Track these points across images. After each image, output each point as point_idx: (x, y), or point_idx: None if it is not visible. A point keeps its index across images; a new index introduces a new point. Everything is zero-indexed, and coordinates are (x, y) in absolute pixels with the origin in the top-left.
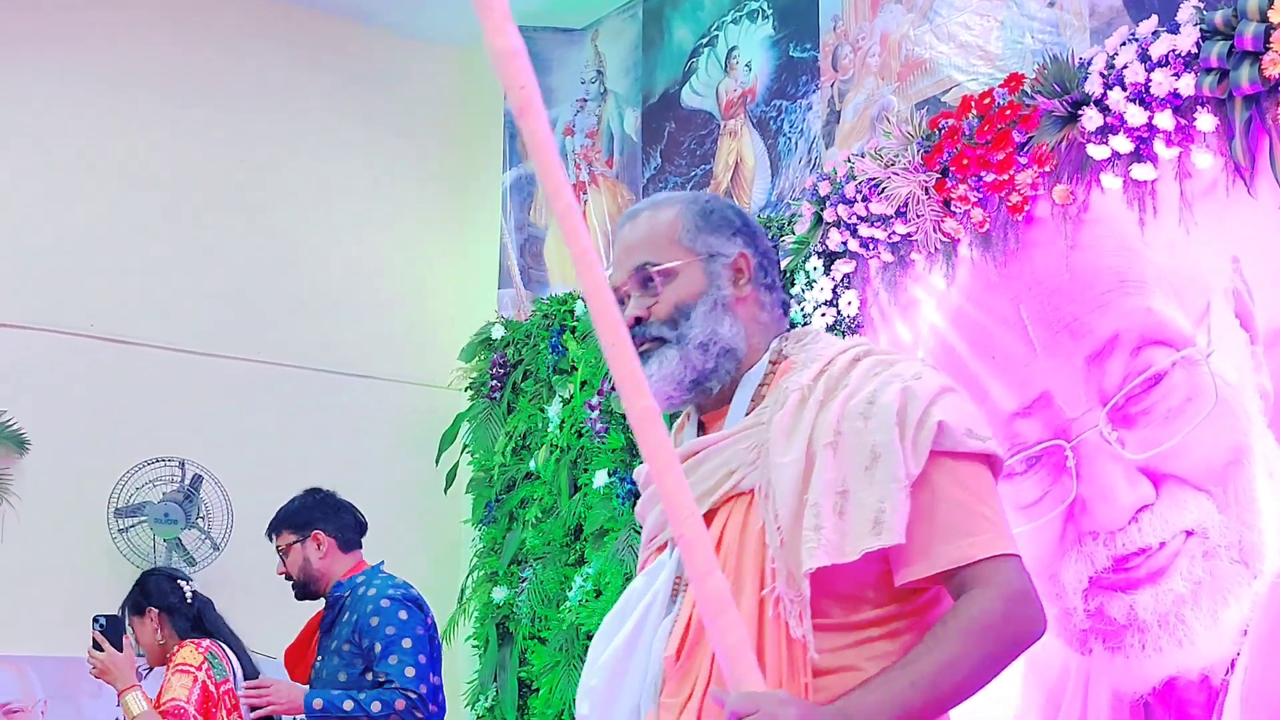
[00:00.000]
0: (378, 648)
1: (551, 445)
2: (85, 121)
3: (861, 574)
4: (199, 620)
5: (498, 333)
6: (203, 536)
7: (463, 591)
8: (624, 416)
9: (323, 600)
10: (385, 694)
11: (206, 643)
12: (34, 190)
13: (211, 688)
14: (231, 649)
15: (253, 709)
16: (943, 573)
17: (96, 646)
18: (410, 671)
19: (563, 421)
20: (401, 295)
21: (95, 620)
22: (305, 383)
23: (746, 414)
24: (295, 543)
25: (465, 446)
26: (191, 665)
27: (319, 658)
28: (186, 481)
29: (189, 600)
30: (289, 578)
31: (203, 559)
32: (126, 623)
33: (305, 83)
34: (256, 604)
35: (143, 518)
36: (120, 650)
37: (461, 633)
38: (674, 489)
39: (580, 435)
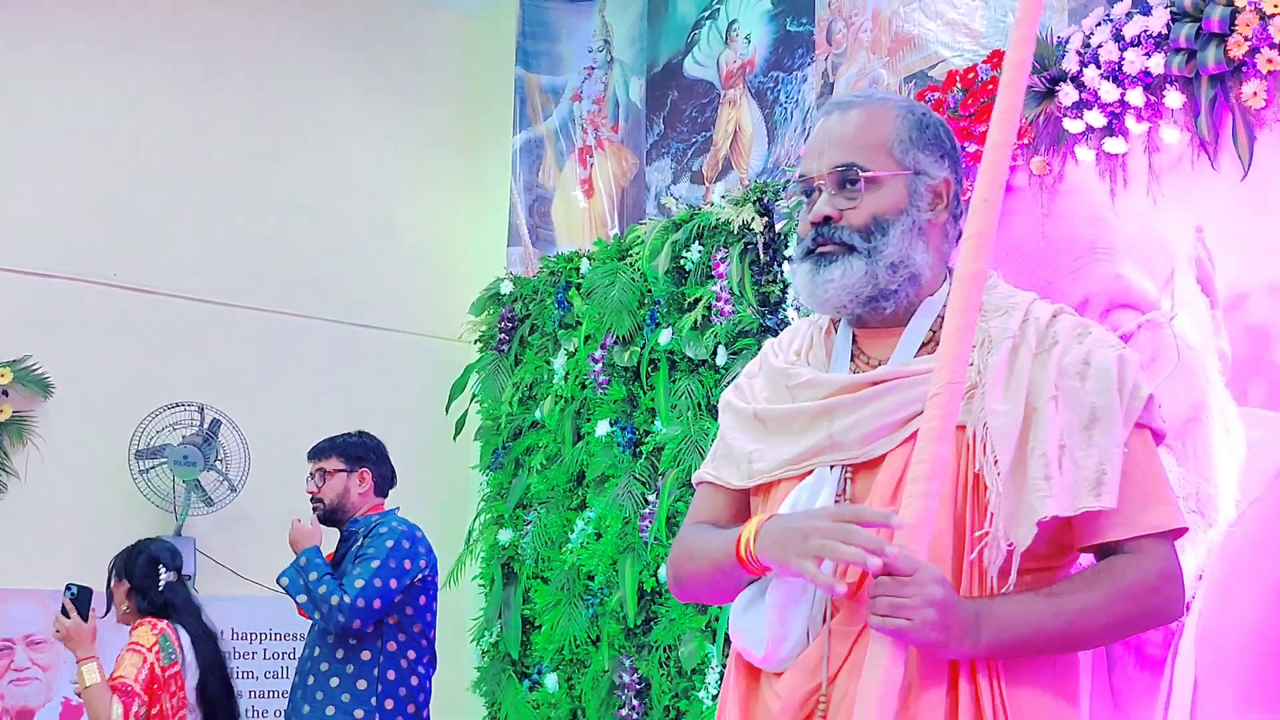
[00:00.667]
0: (356, 560)
1: (556, 396)
2: (114, 79)
3: (1046, 529)
4: (166, 607)
5: (506, 288)
6: (220, 479)
7: (470, 533)
8: (625, 369)
9: (335, 535)
10: (319, 592)
11: (162, 625)
12: (61, 144)
13: (158, 670)
14: (202, 633)
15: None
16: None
17: (64, 613)
18: (360, 583)
19: (567, 373)
20: (415, 252)
21: (67, 588)
22: (322, 333)
23: (923, 344)
24: (342, 471)
25: (474, 396)
26: (143, 646)
27: None
28: (205, 426)
29: (160, 588)
30: (317, 500)
31: (220, 500)
32: (107, 584)
33: (326, 46)
34: (271, 544)
35: (162, 460)
36: (85, 620)
37: (469, 573)
38: (959, 348)
39: (584, 386)
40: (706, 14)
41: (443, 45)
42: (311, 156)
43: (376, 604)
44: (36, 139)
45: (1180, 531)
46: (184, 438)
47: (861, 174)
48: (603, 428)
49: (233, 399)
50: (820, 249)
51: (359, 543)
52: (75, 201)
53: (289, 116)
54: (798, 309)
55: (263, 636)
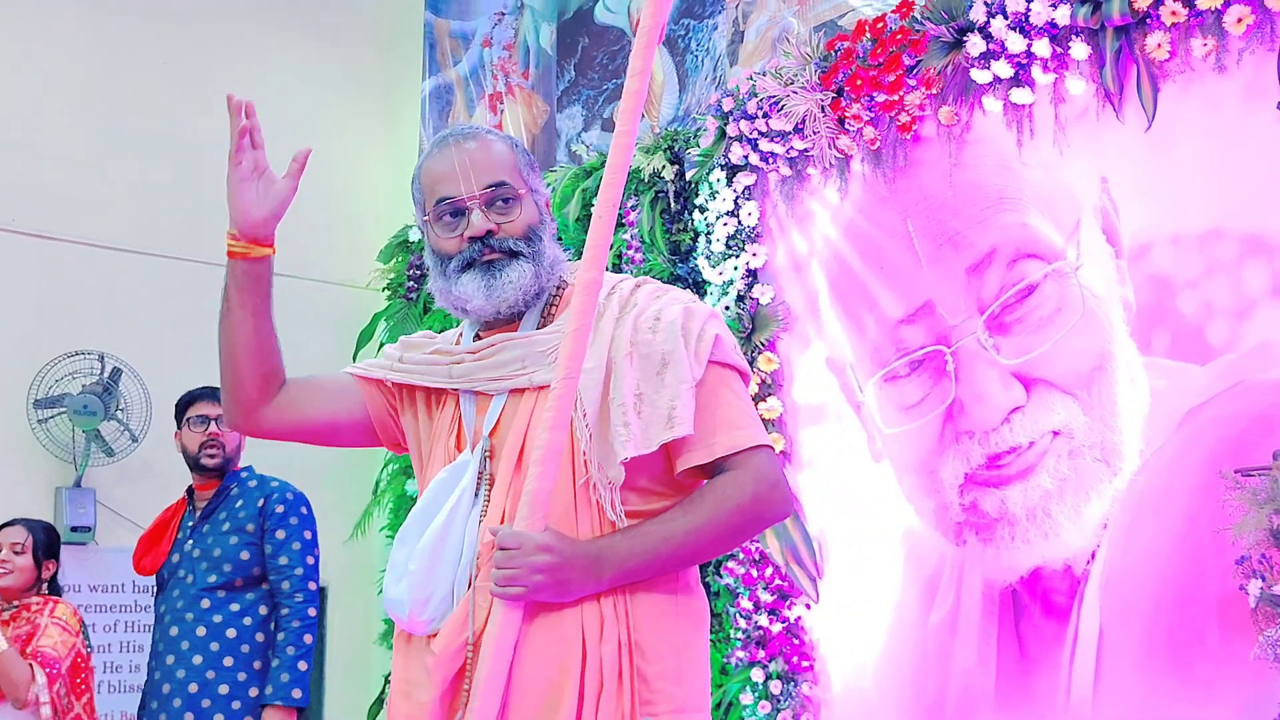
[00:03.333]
0: (280, 534)
1: None
2: (14, 21)
3: (653, 467)
4: (60, 590)
5: (415, 235)
6: (121, 428)
7: (377, 484)
8: None
9: (186, 492)
10: (298, 614)
11: (79, 612)
12: None
13: (81, 656)
14: None
15: None
16: (713, 461)
17: None
18: (311, 560)
19: None
20: (323, 198)
21: None
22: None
23: (538, 327)
24: None
25: (382, 344)
26: (72, 629)
27: (199, 539)
28: (106, 374)
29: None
30: (216, 444)
31: (121, 450)
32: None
33: None
34: (174, 493)
35: (62, 409)
36: None
37: (376, 524)
38: (575, 347)
39: None
40: None
41: None
42: (217, 101)
43: (314, 584)
44: None
45: (765, 448)
46: (84, 386)
47: (515, 190)
48: None
49: (134, 347)
50: (486, 258)
51: (243, 501)
52: None
53: (197, 58)
54: (708, 258)
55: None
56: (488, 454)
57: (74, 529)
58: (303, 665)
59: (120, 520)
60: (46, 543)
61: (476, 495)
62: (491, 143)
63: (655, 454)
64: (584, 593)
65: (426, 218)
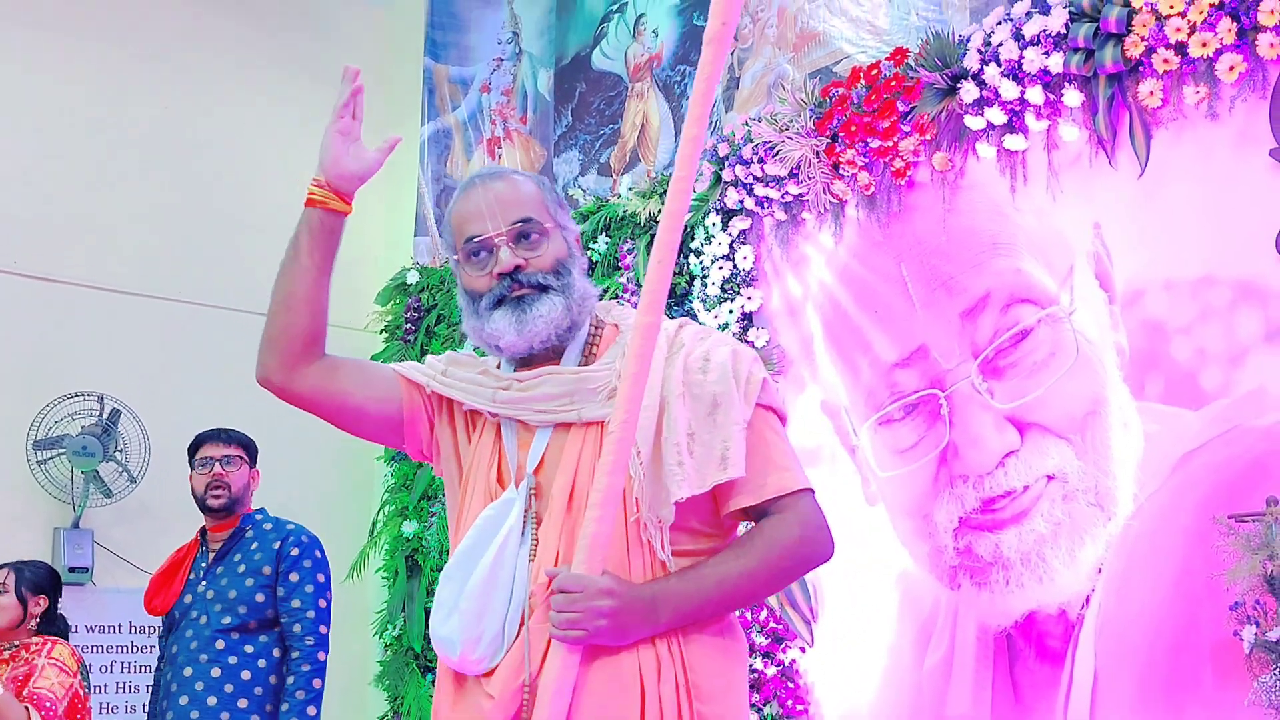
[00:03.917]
0: (294, 576)
1: None
2: (8, 63)
3: (702, 508)
4: (62, 631)
5: (413, 278)
6: (120, 469)
7: (374, 525)
8: None
9: (199, 533)
10: (308, 658)
11: (78, 653)
12: None
13: (79, 697)
14: None
15: None
16: (761, 503)
17: None
18: (323, 604)
19: None
20: None
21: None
22: (226, 322)
23: (580, 365)
24: (246, 464)
25: None
26: (69, 670)
27: (212, 580)
28: (105, 416)
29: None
30: (222, 486)
31: (119, 491)
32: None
33: (233, 29)
34: (172, 534)
35: (61, 450)
36: None
37: (372, 565)
38: (633, 390)
39: None
40: (615, 7)
41: (354, 33)
42: (220, 143)
43: (325, 628)
44: None
45: (808, 491)
46: (83, 428)
47: (540, 227)
48: None
49: (133, 389)
50: (515, 294)
51: (258, 544)
52: None
53: (198, 103)
54: (703, 301)
55: (160, 630)
56: (533, 492)
57: (72, 569)
58: (311, 710)
59: (118, 561)
60: (32, 579)
61: (523, 533)
62: (518, 181)
63: (703, 494)
64: (641, 635)
65: (456, 258)
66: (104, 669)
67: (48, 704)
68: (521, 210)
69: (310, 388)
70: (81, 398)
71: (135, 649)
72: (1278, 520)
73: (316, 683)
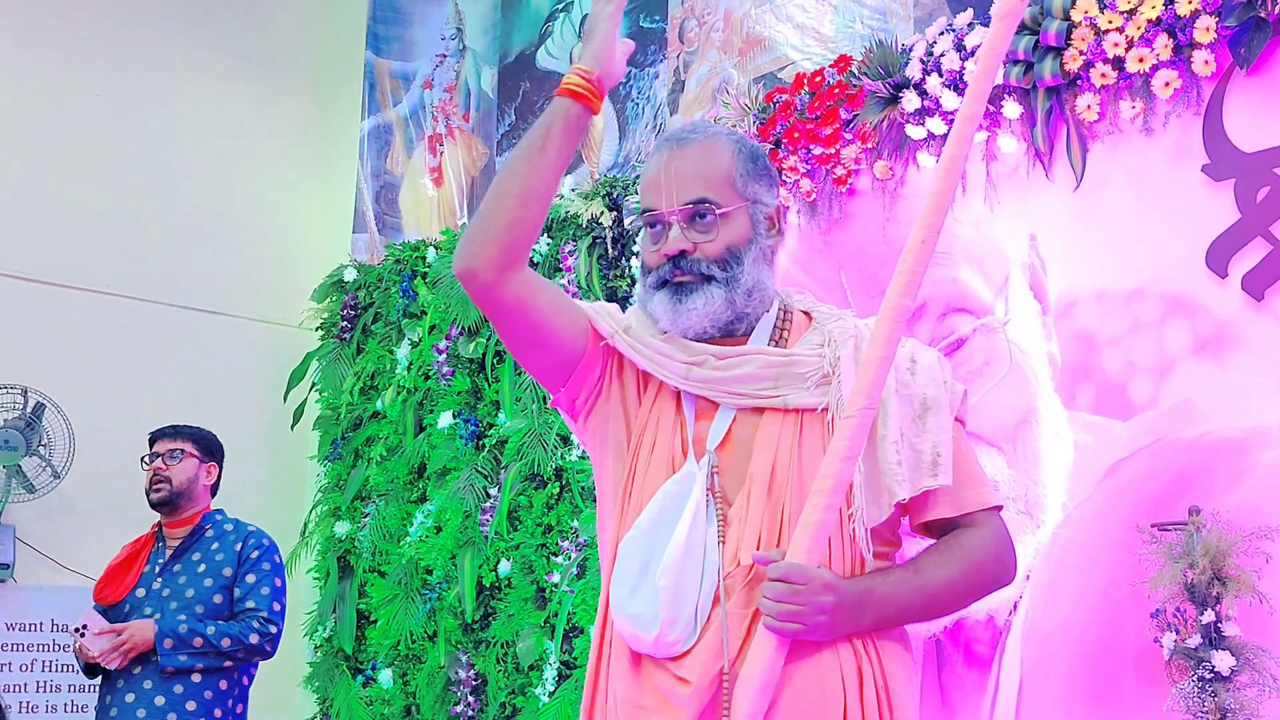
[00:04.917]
0: (251, 578)
1: (399, 386)
2: None
3: (891, 515)
4: None
5: (350, 275)
6: (43, 464)
7: (306, 525)
8: (470, 361)
9: (156, 526)
10: (237, 627)
11: None
12: None
13: None
14: None
15: (113, 650)
16: (956, 516)
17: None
18: (277, 606)
19: (410, 364)
20: (257, 235)
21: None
22: (157, 316)
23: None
24: (194, 458)
25: (314, 385)
26: None
27: (169, 579)
28: (29, 409)
29: None
30: (162, 480)
31: (43, 486)
32: None
33: (174, 22)
34: (96, 532)
35: None
36: None
37: (303, 565)
38: (877, 376)
39: (427, 377)
40: (560, 7)
41: (294, 26)
42: (154, 135)
43: (276, 628)
44: None
45: (1000, 508)
46: (5, 421)
47: (715, 209)
48: (445, 419)
49: (59, 382)
50: (677, 279)
51: (218, 545)
52: None
53: (132, 93)
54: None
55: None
56: (715, 469)
57: None
58: (199, 641)
59: (40, 558)
60: None
61: (709, 509)
62: (711, 148)
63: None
64: (844, 634)
65: (639, 220)
66: (24, 668)
67: None
68: (700, 188)
69: (514, 294)
70: (4, 390)
71: (56, 647)
72: (1199, 530)
73: (226, 642)
